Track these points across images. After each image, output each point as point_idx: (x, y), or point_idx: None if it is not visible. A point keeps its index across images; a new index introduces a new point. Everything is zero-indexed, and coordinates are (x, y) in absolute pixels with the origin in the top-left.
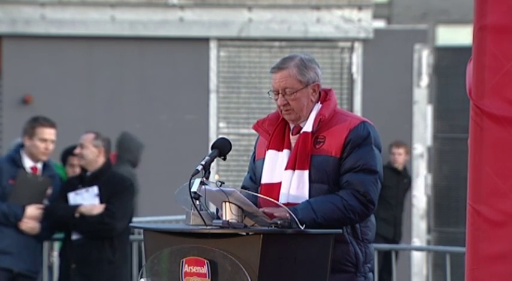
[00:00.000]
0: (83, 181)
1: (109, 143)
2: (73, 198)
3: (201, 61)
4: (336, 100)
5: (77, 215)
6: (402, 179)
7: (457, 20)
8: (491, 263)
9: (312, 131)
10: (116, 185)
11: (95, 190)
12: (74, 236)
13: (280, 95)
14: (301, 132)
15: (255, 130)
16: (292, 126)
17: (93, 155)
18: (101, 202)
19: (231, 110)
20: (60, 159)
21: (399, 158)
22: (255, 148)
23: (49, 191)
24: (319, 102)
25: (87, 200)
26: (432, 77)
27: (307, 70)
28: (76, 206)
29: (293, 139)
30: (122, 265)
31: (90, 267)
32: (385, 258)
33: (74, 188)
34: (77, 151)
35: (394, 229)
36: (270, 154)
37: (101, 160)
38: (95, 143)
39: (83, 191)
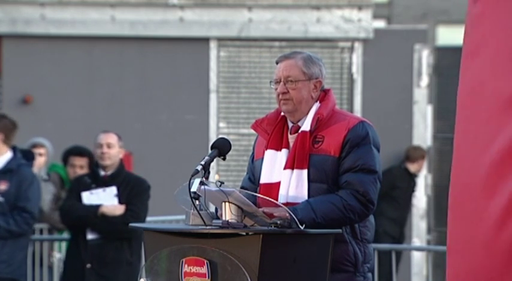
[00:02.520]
0: (97, 180)
1: None
2: (87, 197)
3: (201, 61)
4: (334, 100)
5: (99, 214)
6: (412, 181)
7: (457, 20)
8: None
9: (310, 130)
10: (135, 186)
11: (113, 190)
12: (90, 236)
13: (281, 83)
14: (300, 131)
15: (254, 130)
16: (290, 125)
17: (118, 156)
18: (120, 202)
19: (231, 110)
20: (62, 159)
21: (422, 164)
22: (253, 148)
23: None
24: (318, 102)
25: (105, 200)
26: (432, 77)
27: (313, 65)
28: (96, 206)
29: (291, 138)
30: (138, 266)
31: (108, 268)
32: (387, 258)
33: (86, 188)
34: (105, 150)
35: (399, 229)
36: (269, 153)
37: (118, 161)
38: (120, 144)
39: (99, 191)
